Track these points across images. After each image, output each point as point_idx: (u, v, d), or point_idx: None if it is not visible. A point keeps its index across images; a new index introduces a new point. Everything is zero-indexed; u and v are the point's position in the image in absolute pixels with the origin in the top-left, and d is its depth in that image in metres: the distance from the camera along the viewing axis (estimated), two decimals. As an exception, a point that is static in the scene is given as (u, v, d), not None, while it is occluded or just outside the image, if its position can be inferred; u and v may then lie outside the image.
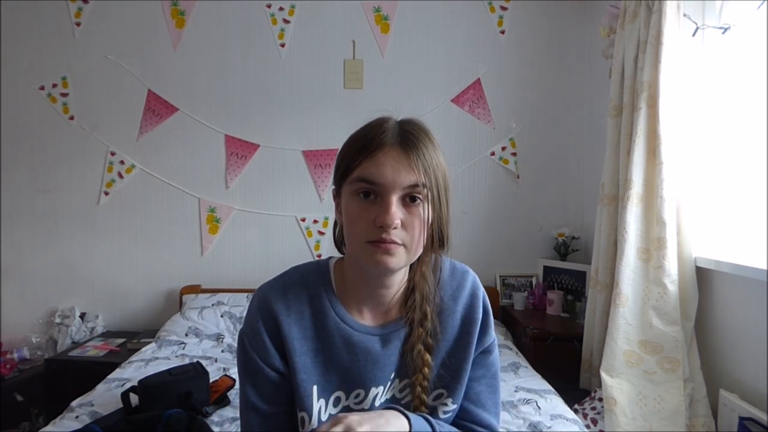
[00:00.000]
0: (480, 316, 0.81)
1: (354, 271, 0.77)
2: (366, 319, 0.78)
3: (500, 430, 0.89)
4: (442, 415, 0.80)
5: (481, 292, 0.84)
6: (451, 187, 0.75)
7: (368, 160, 0.69)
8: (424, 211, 0.70)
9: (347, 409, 0.77)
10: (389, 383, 0.78)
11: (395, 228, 0.68)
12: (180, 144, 2.70)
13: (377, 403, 0.77)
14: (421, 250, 0.74)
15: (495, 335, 0.85)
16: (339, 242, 0.82)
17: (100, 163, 2.68)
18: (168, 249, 2.73)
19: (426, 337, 0.76)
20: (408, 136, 0.71)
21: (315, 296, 0.77)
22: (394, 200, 0.69)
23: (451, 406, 0.80)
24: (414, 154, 0.69)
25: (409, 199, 0.70)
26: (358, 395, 0.77)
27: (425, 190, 0.70)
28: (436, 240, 0.74)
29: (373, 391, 0.77)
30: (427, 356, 0.76)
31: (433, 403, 0.80)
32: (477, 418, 0.82)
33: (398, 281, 0.77)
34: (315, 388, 0.75)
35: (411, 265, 0.78)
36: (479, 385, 0.83)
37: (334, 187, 0.78)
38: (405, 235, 0.70)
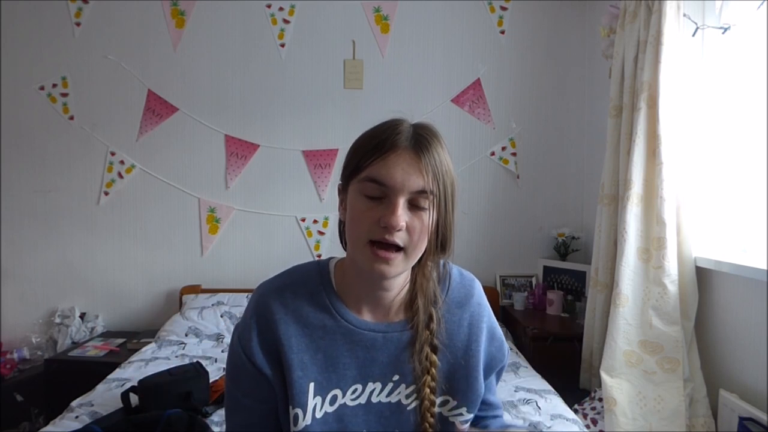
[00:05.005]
0: (486, 336, 0.83)
1: (354, 270, 0.77)
2: (366, 318, 0.79)
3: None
4: (459, 426, 0.80)
5: (486, 303, 0.85)
6: (457, 193, 0.75)
7: (380, 161, 0.70)
8: (429, 216, 0.71)
9: (343, 407, 0.77)
10: (390, 384, 0.78)
11: (399, 230, 0.69)
12: (180, 144, 2.70)
13: (374, 400, 0.77)
14: (420, 255, 0.74)
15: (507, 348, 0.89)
16: (343, 238, 0.82)
17: (100, 163, 2.68)
18: (168, 249, 2.73)
19: (432, 338, 0.77)
20: (421, 141, 0.71)
21: (315, 294, 0.78)
22: (401, 203, 0.69)
23: (467, 416, 0.81)
24: (426, 159, 0.69)
25: (415, 204, 0.71)
26: (355, 391, 0.77)
27: (432, 196, 0.70)
28: (439, 244, 0.74)
29: (370, 386, 0.77)
30: (434, 357, 0.77)
31: (448, 413, 0.80)
32: (487, 400, 0.88)
33: (398, 284, 0.77)
34: (312, 385, 0.74)
35: (413, 268, 0.78)
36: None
37: (341, 182, 0.77)
38: (407, 238, 0.70)
